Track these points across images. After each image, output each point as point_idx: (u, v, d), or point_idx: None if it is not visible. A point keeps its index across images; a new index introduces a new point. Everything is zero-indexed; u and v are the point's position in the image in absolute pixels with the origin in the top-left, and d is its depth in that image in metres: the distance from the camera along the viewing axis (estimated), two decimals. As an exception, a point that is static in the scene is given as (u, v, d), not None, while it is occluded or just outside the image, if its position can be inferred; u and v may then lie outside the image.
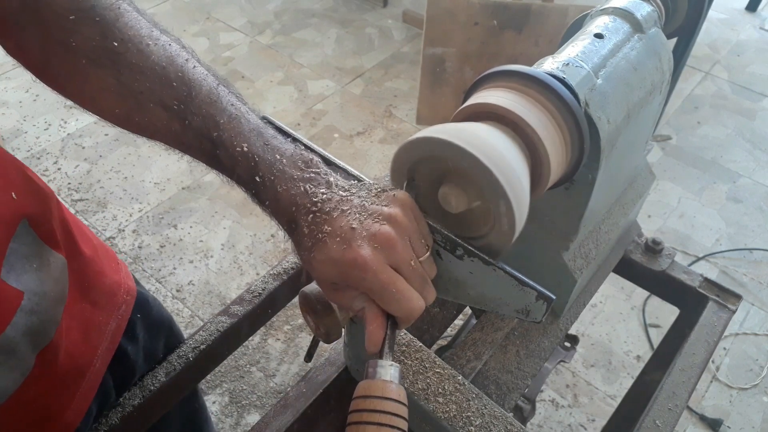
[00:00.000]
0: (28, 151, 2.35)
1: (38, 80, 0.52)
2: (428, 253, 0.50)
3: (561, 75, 0.53)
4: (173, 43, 0.51)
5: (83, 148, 2.37)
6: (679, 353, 0.79)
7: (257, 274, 1.97)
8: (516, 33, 2.00)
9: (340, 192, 0.49)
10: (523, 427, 0.61)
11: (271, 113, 2.21)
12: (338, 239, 0.47)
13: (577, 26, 0.67)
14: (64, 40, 0.47)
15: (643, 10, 0.63)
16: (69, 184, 2.23)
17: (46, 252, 0.54)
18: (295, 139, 0.55)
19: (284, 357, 1.77)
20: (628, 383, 1.38)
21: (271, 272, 0.85)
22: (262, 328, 1.40)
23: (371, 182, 0.52)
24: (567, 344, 1.04)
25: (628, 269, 0.92)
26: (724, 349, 1.82)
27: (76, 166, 2.30)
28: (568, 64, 0.55)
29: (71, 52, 0.48)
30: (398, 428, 0.44)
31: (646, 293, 1.90)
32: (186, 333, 0.88)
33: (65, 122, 2.47)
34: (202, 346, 0.76)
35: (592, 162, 0.58)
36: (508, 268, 0.48)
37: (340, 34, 3.04)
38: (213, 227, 2.11)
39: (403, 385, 0.47)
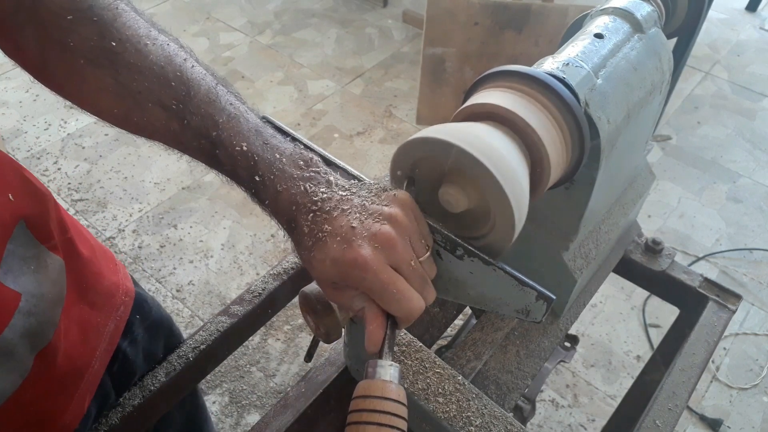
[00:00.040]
0: (28, 151, 2.35)
1: (38, 81, 0.52)
2: (428, 253, 0.50)
3: (561, 75, 0.53)
4: (171, 43, 0.51)
5: (83, 148, 2.37)
6: (679, 353, 0.79)
7: (257, 274, 1.97)
8: (516, 33, 2.00)
9: (340, 191, 0.49)
10: (523, 427, 0.60)
11: (271, 113, 2.21)
12: (338, 239, 0.46)
13: (577, 26, 0.67)
14: (61, 40, 0.47)
15: (643, 10, 0.62)
16: (69, 184, 2.23)
17: (44, 253, 0.54)
18: (294, 139, 0.55)
19: (284, 357, 1.77)
20: (628, 383, 1.38)
21: (271, 272, 0.85)
22: (262, 328, 1.40)
23: (371, 182, 0.52)
24: (567, 344, 1.04)
25: (628, 269, 0.92)
26: (724, 349, 1.82)
27: (76, 166, 2.30)
28: (568, 64, 0.55)
29: (69, 52, 0.48)
30: (398, 428, 0.44)
31: (646, 293, 1.90)
32: (186, 333, 0.88)
33: (65, 122, 2.47)
34: (202, 346, 0.76)
35: (592, 162, 0.58)
36: (508, 268, 0.48)
37: (340, 34, 3.04)
38: (213, 227, 2.11)
39: (402, 385, 0.47)
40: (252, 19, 3.11)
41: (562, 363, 1.13)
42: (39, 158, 2.32)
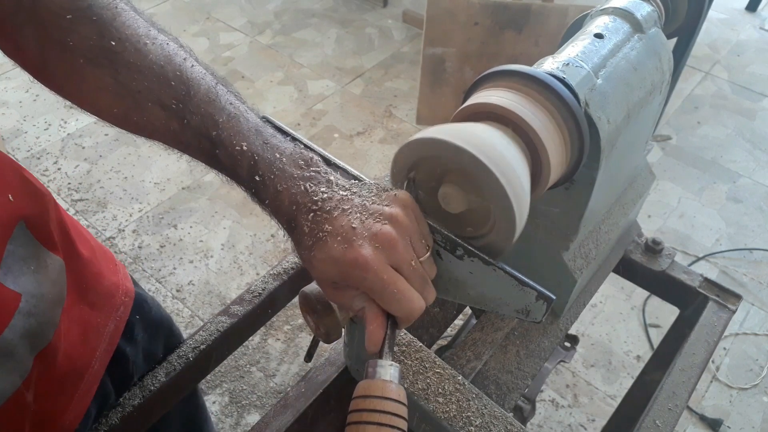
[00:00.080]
0: (28, 151, 2.35)
1: (37, 81, 0.52)
2: (428, 253, 0.50)
3: (561, 75, 0.53)
4: (171, 42, 0.51)
5: (83, 148, 2.37)
6: (679, 353, 0.79)
7: (257, 274, 1.97)
8: (516, 33, 2.00)
9: (341, 191, 0.49)
10: (523, 427, 0.60)
11: (271, 113, 2.21)
12: (339, 238, 0.46)
13: (577, 26, 0.67)
14: (61, 39, 0.47)
15: (643, 10, 0.62)
16: (69, 184, 2.23)
17: (44, 254, 0.54)
18: (294, 139, 0.55)
19: (284, 357, 1.77)
20: (628, 383, 1.38)
21: (271, 272, 0.85)
22: (262, 328, 1.40)
23: (372, 182, 0.52)
24: (567, 344, 1.04)
25: (628, 269, 0.92)
26: (724, 349, 1.82)
27: (76, 166, 2.30)
28: (568, 64, 0.55)
29: (68, 51, 0.47)
30: (398, 428, 0.44)
31: (646, 293, 1.90)
32: (186, 333, 0.88)
33: (65, 122, 2.47)
34: (202, 346, 0.76)
35: (592, 162, 0.58)
36: (508, 268, 0.48)
37: (340, 34, 3.04)
38: (213, 227, 2.11)
39: (402, 385, 0.47)
40: (252, 19, 3.11)
41: (562, 363, 1.13)
42: (39, 158, 2.32)
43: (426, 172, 0.51)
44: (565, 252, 0.69)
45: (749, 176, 2.36)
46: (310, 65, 2.83)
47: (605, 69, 0.57)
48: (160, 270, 1.97)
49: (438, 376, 0.64)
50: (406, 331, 0.68)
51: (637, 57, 0.60)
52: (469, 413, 0.61)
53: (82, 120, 2.47)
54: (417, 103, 2.21)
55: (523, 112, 0.50)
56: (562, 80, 0.52)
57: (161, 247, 2.04)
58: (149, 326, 0.76)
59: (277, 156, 0.49)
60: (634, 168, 0.78)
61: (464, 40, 2.02)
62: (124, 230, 2.09)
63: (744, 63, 2.92)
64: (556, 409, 1.68)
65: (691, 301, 0.88)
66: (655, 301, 1.90)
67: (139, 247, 2.03)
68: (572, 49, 0.58)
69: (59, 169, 2.29)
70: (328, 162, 0.54)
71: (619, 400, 1.42)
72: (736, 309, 0.85)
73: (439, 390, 0.62)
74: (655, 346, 1.70)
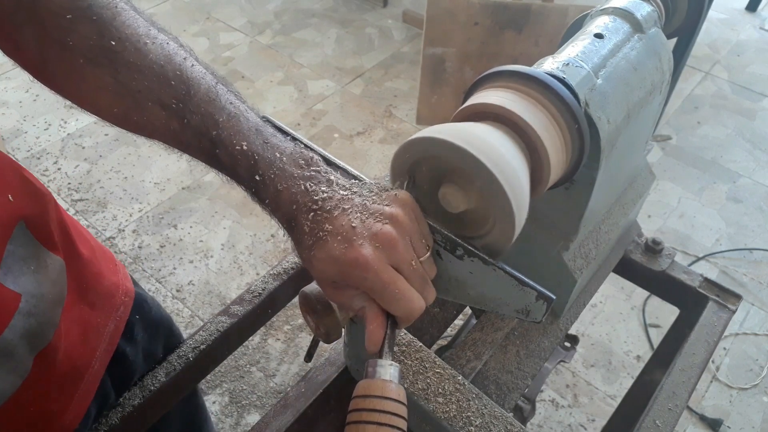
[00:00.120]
0: (28, 151, 2.35)
1: (37, 81, 0.52)
2: (429, 253, 0.50)
3: (561, 75, 0.53)
4: (171, 42, 0.51)
5: (83, 148, 2.37)
6: (679, 353, 0.79)
7: (257, 274, 1.97)
8: (516, 33, 2.00)
9: (341, 191, 0.49)
10: (523, 427, 0.60)
11: (271, 113, 2.21)
12: (339, 238, 0.46)
13: (577, 26, 0.67)
14: (60, 39, 0.47)
15: (643, 10, 0.62)
16: (69, 184, 2.23)
17: (44, 254, 0.54)
18: (294, 139, 0.55)
19: (284, 357, 1.77)
20: (628, 383, 1.38)
21: (271, 272, 0.85)
22: (262, 328, 1.40)
23: (372, 181, 0.52)
24: (567, 344, 1.04)
25: (628, 269, 0.92)
26: (724, 349, 1.82)
27: (76, 166, 2.30)
28: (568, 64, 0.55)
29: (68, 51, 0.47)
30: (397, 428, 0.44)
31: (646, 293, 1.90)
32: (186, 333, 0.88)
33: (65, 122, 2.47)
34: (202, 346, 0.76)
35: (592, 162, 0.58)
36: (508, 268, 0.48)
37: (340, 34, 3.04)
38: (213, 227, 2.11)
39: (402, 384, 0.47)
40: (252, 19, 3.11)
41: (562, 363, 1.13)
42: (39, 158, 2.32)
43: (426, 172, 0.51)
44: (565, 252, 0.69)
45: (749, 176, 2.36)
46: (310, 65, 2.83)
47: (605, 69, 0.57)
48: (160, 270, 1.97)
49: (438, 376, 0.64)
50: (406, 331, 0.68)
51: (637, 57, 0.60)
52: (469, 413, 0.61)
53: (82, 120, 2.47)
54: (417, 103, 2.21)
55: (523, 112, 0.50)
56: (562, 80, 0.52)
57: (161, 247, 2.04)
58: (149, 326, 0.76)
59: (278, 155, 0.49)
60: (634, 168, 0.78)
61: (464, 40, 2.02)
62: (124, 230, 2.09)
63: (744, 63, 2.92)
64: (556, 409, 1.68)
65: (691, 301, 0.88)
66: (655, 301, 1.90)
67: (139, 247, 2.03)
68: (572, 49, 0.58)
69: (59, 169, 2.29)
70: (327, 162, 0.54)
71: (619, 400, 1.42)
72: (736, 309, 0.85)
73: (439, 390, 0.62)
74: (655, 346, 1.70)
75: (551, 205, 0.66)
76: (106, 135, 2.42)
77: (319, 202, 0.48)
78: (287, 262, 0.86)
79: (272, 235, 2.08)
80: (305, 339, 1.81)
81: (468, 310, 1.20)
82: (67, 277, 0.58)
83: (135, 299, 0.72)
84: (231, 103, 0.50)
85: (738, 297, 0.86)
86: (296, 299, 0.63)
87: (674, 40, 0.78)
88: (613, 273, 0.91)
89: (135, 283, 0.75)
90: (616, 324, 1.87)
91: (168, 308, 1.86)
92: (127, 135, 0.55)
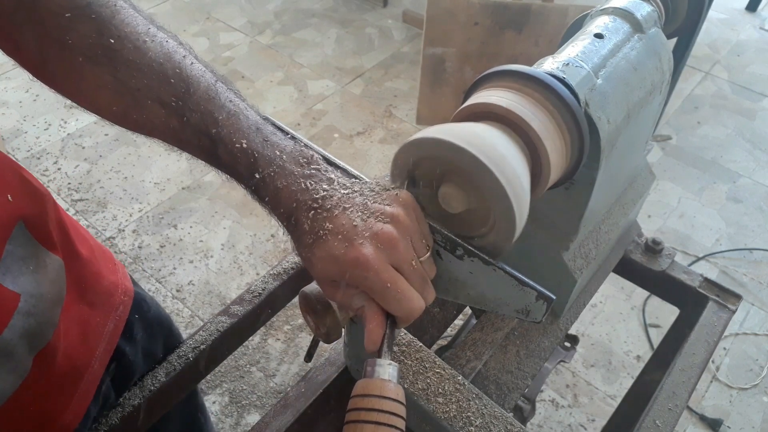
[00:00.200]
0: (28, 151, 2.35)
1: (37, 79, 0.52)
2: (429, 253, 0.50)
3: (561, 75, 0.53)
4: (170, 40, 0.51)
5: (83, 148, 2.37)
6: (679, 353, 0.79)
7: (257, 274, 1.97)
8: (516, 33, 2.00)
9: (342, 189, 0.49)
10: (523, 427, 0.60)
11: (271, 113, 2.21)
12: (340, 237, 0.46)
13: (577, 26, 0.67)
14: (60, 38, 0.47)
15: (643, 10, 0.62)
16: (69, 184, 2.23)
17: (43, 254, 0.54)
18: (294, 138, 0.55)
19: (284, 357, 1.77)
20: (628, 383, 1.38)
21: (271, 272, 0.85)
22: (262, 328, 1.40)
23: (373, 181, 0.52)
24: (567, 344, 1.04)
25: (628, 269, 0.91)
26: (724, 349, 1.82)
27: (76, 166, 2.30)
28: (568, 64, 0.55)
29: (67, 49, 0.47)
30: (396, 427, 0.43)
31: (646, 293, 1.90)
32: (186, 333, 0.88)
33: (65, 122, 2.47)
34: (202, 346, 0.76)
35: (592, 162, 0.58)
36: (508, 268, 0.48)
37: (340, 34, 3.04)
38: (213, 227, 2.11)
39: (401, 384, 0.47)
40: (252, 19, 3.11)
41: (562, 363, 1.13)
42: (39, 158, 2.32)
43: (426, 172, 0.51)
44: (565, 252, 0.69)
45: (749, 176, 2.36)
46: (310, 65, 2.83)
47: (605, 69, 0.57)
48: (160, 270, 1.97)
49: (438, 376, 0.64)
50: (406, 331, 0.68)
51: (637, 57, 0.60)
52: (469, 413, 0.61)
53: (82, 120, 2.47)
54: (417, 103, 2.21)
55: (523, 112, 0.50)
56: (562, 80, 0.52)
57: (161, 247, 2.04)
58: (148, 325, 0.76)
59: (278, 153, 0.49)
60: (634, 168, 0.78)
61: (464, 40, 2.02)
62: (124, 230, 2.09)
63: (744, 63, 2.92)
64: (556, 409, 1.68)
65: (691, 301, 0.88)
66: (655, 301, 1.90)
67: (139, 247, 2.03)
68: (572, 49, 0.58)
69: (59, 169, 2.29)
70: (327, 162, 0.54)
71: (619, 400, 1.42)
72: (736, 309, 0.85)
73: (439, 390, 0.62)
74: (655, 346, 1.70)
75: (551, 205, 0.66)
76: (106, 135, 2.42)
77: (320, 201, 0.48)
78: (287, 262, 0.86)
79: (272, 235, 2.08)
80: (305, 339, 1.81)
81: (468, 310, 1.20)
82: (66, 277, 0.58)
83: (134, 298, 0.72)
84: (231, 101, 0.50)
85: (738, 297, 0.86)
86: (296, 299, 0.63)
87: (674, 40, 0.78)
88: (613, 273, 0.91)
89: (134, 282, 0.75)
90: (616, 324, 1.87)
91: (168, 308, 1.86)
92: (127, 135, 0.55)
